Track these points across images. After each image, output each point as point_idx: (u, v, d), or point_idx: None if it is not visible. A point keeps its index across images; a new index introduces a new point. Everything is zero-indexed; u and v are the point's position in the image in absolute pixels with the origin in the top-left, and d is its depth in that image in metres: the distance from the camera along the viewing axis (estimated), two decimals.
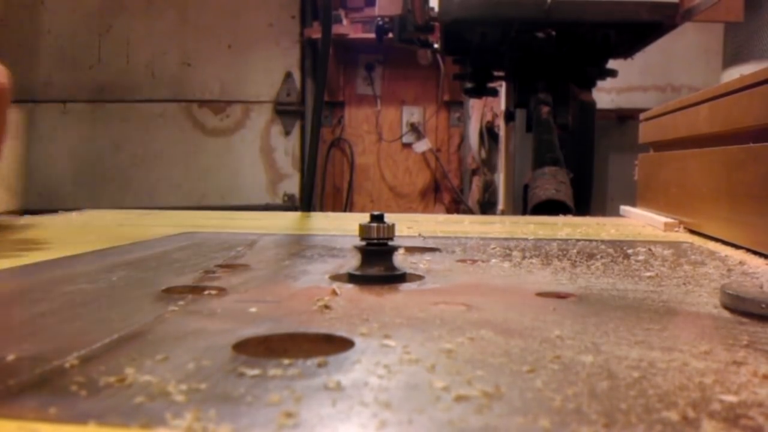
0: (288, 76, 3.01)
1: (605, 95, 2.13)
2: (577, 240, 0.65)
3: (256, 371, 0.24)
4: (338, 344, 0.28)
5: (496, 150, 2.89)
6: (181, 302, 0.35)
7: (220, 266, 0.47)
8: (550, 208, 1.20)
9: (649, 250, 0.57)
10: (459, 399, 0.21)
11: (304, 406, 0.21)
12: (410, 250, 0.55)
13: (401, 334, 0.29)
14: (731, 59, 2.00)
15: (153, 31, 2.99)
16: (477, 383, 0.23)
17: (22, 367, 0.24)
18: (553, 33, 1.46)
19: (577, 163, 1.46)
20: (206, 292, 0.38)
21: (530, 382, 0.23)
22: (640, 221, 0.89)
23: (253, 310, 0.34)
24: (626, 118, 2.17)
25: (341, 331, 0.29)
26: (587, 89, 1.57)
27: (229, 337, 0.28)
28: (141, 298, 0.36)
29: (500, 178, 2.52)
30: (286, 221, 0.90)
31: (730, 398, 0.21)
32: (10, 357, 0.25)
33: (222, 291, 0.38)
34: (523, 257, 0.52)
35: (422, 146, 3.30)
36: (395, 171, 3.31)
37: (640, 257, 0.53)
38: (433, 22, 1.56)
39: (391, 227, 0.42)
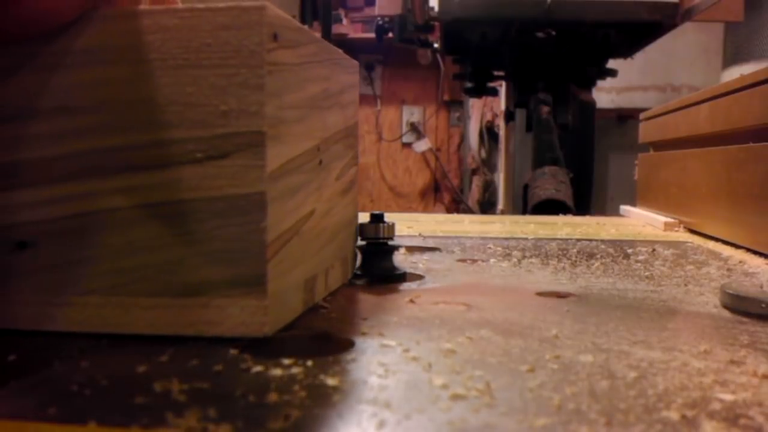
0: None
1: (605, 95, 2.13)
2: (577, 240, 0.65)
3: (256, 370, 0.24)
4: (338, 343, 0.28)
5: (496, 150, 2.89)
6: None
7: None
8: (550, 207, 1.20)
9: (649, 249, 0.57)
10: (458, 398, 0.21)
11: (304, 405, 0.21)
12: (410, 249, 0.55)
13: (401, 334, 0.29)
14: (731, 59, 2.01)
15: None
16: (476, 383, 0.23)
17: (24, 366, 0.24)
18: (553, 33, 1.46)
19: (577, 162, 1.46)
20: None
21: (530, 381, 0.23)
22: (640, 221, 0.89)
23: None
24: (626, 117, 2.18)
25: (341, 331, 0.29)
26: (587, 89, 1.57)
27: (230, 337, 0.28)
28: None
29: (500, 178, 2.53)
30: None
31: (730, 398, 0.21)
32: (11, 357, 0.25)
33: None
34: (523, 257, 0.52)
35: (422, 146, 3.30)
36: (395, 171, 3.31)
37: (640, 257, 0.53)
38: (433, 22, 1.56)
39: (391, 227, 0.42)
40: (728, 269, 0.48)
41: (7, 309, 0.28)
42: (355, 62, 0.41)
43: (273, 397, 0.21)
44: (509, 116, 1.89)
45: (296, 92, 0.30)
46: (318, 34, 0.35)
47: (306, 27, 0.32)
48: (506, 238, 0.65)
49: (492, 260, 0.51)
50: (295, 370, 0.24)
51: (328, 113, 0.35)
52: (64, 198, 0.28)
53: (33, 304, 0.28)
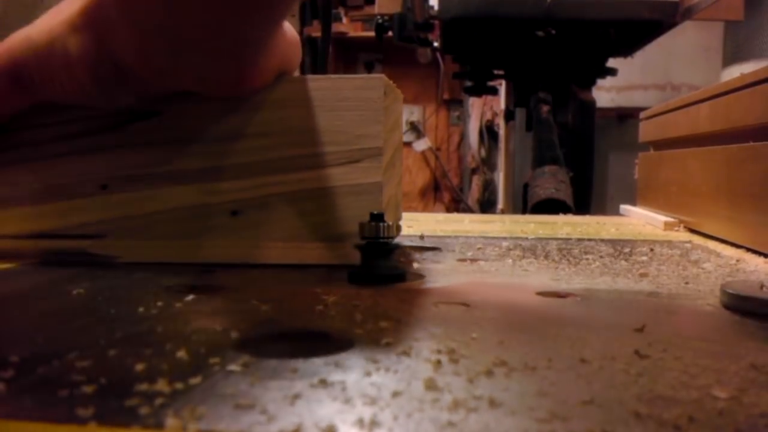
0: None
1: (605, 94, 2.13)
2: (577, 239, 0.65)
3: (255, 370, 0.24)
4: (337, 343, 0.28)
5: (496, 149, 2.89)
6: (180, 302, 0.35)
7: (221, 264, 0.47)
8: (550, 207, 1.20)
9: (649, 249, 0.57)
10: (458, 399, 0.21)
11: (302, 405, 0.21)
12: (410, 249, 0.55)
13: (400, 333, 0.29)
14: (731, 58, 2.01)
15: None
16: (477, 382, 0.23)
17: (23, 366, 0.24)
18: (553, 31, 1.46)
19: (577, 162, 1.46)
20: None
21: (530, 381, 0.23)
22: (640, 220, 0.89)
23: (252, 308, 0.34)
24: (626, 116, 2.18)
25: (340, 330, 0.29)
26: (587, 88, 1.57)
27: (228, 336, 0.28)
28: (141, 297, 0.36)
29: (500, 177, 2.52)
30: None
31: (730, 396, 0.21)
32: (13, 357, 0.25)
33: (222, 289, 0.38)
34: (523, 256, 0.52)
35: (422, 145, 3.30)
36: None
37: (640, 256, 0.53)
38: (432, 21, 1.56)
39: (392, 226, 0.42)
40: (728, 268, 0.48)
41: (225, 251, 0.46)
42: (401, 94, 0.58)
43: (271, 396, 0.21)
44: (509, 115, 1.89)
45: (388, 122, 0.47)
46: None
47: (393, 85, 0.50)
48: (506, 238, 0.65)
49: (492, 260, 0.51)
50: (293, 369, 0.24)
51: (395, 132, 0.53)
52: (261, 185, 0.45)
53: (241, 248, 0.46)
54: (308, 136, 0.45)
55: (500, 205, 2.46)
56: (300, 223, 0.45)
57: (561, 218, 0.95)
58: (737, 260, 0.52)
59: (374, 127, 0.44)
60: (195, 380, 0.23)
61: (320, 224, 0.45)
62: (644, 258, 0.52)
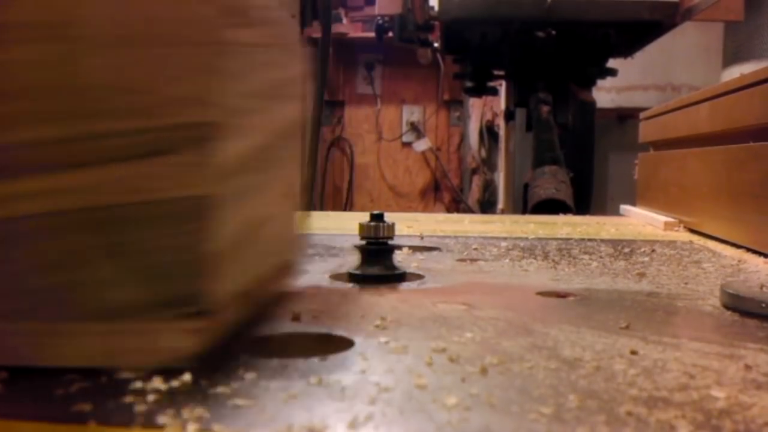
0: None
1: (605, 94, 2.13)
2: (577, 239, 0.65)
3: (255, 370, 0.24)
4: (337, 343, 0.28)
5: (496, 149, 2.89)
6: None
7: None
8: (550, 207, 1.20)
9: (649, 249, 0.57)
10: (458, 398, 0.21)
11: (300, 404, 0.21)
12: (410, 249, 0.55)
13: (401, 333, 0.29)
14: (731, 58, 2.00)
15: None
16: (476, 382, 0.23)
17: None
18: (553, 32, 1.46)
19: (577, 162, 1.46)
20: None
21: (529, 381, 0.23)
22: (640, 220, 0.89)
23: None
24: (626, 117, 2.17)
25: (340, 331, 0.29)
26: (587, 88, 1.56)
27: (228, 336, 0.28)
28: None
29: (500, 178, 2.52)
30: None
31: (730, 396, 0.21)
32: None
33: None
34: (523, 256, 0.52)
35: (422, 145, 3.30)
36: (395, 170, 3.31)
37: (640, 257, 0.53)
38: (433, 21, 1.56)
39: (391, 226, 0.42)
40: (729, 269, 0.48)
41: None
42: (306, 50, 0.36)
43: (271, 396, 0.21)
44: (509, 116, 1.89)
45: (253, 79, 0.26)
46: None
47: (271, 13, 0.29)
48: (506, 238, 0.65)
49: (492, 260, 0.51)
50: (293, 369, 0.24)
51: (280, 105, 0.31)
52: None
53: None
54: (64, 100, 0.22)
55: (500, 206, 2.46)
56: (39, 284, 0.23)
57: (561, 218, 0.95)
58: (738, 260, 0.52)
59: (203, 79, 0.23)
60: (199, 382, 0.23)
61: (83, 286, 0.23)
62: (644, 258, 0.52)
